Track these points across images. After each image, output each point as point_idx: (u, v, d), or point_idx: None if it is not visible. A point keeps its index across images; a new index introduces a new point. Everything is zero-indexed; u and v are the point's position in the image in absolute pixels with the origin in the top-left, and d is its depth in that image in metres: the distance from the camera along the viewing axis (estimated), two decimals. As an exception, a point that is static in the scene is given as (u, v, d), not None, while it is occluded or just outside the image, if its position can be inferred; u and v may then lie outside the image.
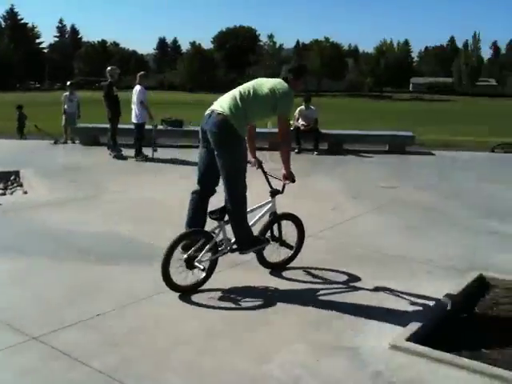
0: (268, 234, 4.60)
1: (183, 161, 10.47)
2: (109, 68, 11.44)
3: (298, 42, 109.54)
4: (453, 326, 3.69)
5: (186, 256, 4.06)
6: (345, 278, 4.58)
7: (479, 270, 4.56)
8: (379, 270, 4.78)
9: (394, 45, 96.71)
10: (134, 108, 10.74)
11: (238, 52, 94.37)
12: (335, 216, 6.66)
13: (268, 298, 4.12)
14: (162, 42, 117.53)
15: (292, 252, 4.79)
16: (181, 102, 43.54)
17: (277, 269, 4.68)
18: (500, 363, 3.11)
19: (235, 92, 4.19)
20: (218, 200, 4.37)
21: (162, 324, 3.62)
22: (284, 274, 4.63)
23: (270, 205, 4.59)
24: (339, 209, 7.09)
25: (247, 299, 4.08)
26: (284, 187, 4.53)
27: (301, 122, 12.71)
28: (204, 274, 4.17)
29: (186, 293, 4.07)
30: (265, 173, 4.61)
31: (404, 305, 4.01)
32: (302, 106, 12.87)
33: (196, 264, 4.08)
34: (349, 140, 13.36)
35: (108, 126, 11.25)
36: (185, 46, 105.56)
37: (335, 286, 4.40)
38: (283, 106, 4.19)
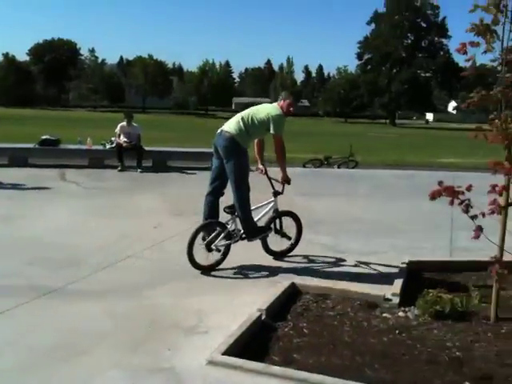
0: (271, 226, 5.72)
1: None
2: None
3: (121, 57, 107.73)
4: (268, 334, 3.83)
5: (205, 242, 5.22)
6: (162, 296, 4.53)
7: (292, 278, 4.84)
8: (197, 286, 4.82)
9: (216, 65, 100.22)
10: None
11: (58, 65, 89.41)
12: (158, 234, 6.57)
13: (79, 327, 3.89)
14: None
15: (291, 242, 5.88)
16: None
17: (279, 257, 5.74)
18: (310, 367, 3.32)
19: (239, 117, 5.46)
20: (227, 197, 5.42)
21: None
22: (104, 298, 4.42)
23: (272, 203, 5.79)
24: (162, 226, 7.02)
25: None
26: (283, 188, 5.77)
27: (123, 138, 12.42)
28: (221, 257, 5.30)
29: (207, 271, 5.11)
30: (269, 178, 5.82)
31: (221, 318, 4.08)
32: (124, 123, 12.59)
33: (214, 248, 5.25)
34: (173, 157, 13.40)
35: None
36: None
37: (151, 305, 4.32)
38: (275, 127, 5.39)
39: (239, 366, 3.20)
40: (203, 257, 5.18)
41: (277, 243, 5.82)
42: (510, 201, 3.86)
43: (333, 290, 4.62)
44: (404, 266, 5.20)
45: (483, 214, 3.73)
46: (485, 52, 3.88)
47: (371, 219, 7.93)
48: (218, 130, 5.47)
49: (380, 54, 77.00)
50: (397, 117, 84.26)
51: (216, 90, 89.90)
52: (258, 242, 5.65)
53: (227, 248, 5.35)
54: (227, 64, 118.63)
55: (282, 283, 4.71)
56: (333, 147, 19.67)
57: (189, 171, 12.47)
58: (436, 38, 78.56)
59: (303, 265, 5.59)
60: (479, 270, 4.95)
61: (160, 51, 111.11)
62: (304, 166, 15.07)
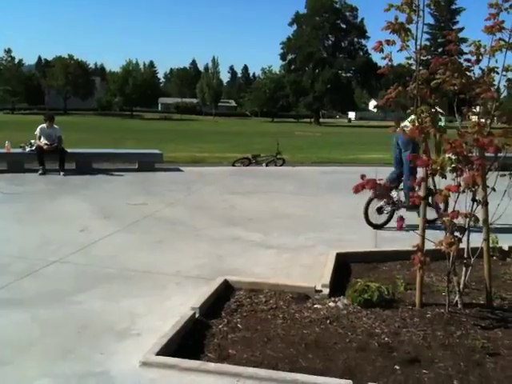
0: None
1: None
2: None
3: (39, 58, 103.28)
4: (202, 332, 3.82)
5: (376, 207, 7.07)
6: (91, 300, 4.41)
7: (224, 276, 4.84)
8: (128, 288, 4.73)
9: (140, 65, 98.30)
10: None
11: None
12: (84, 238, 6.37)
13: (2, 337, 3.70)
14: None
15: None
16: None
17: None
18: (245, 362, 3.34)
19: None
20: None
21: None
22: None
23: None
24: (88, 230, 6.81)
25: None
26: None
27: (43, 141, 11.91)
28: (387, 219, 7.12)
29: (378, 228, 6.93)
30: None
31: (154, 319, 4.02)
32: (44, 125, 12.09)
33: (383, 211, 7.11)
34: (98, 159, 13.03)
35: None
36: None
37: (81, 310, 4.19)
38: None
39: (174, 365, 3.17)
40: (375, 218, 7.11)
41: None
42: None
43: (265, 285, 4.67)
44: (333, 258, 5.33)
45: (405, 205, 3.90)
46: (400, 50, 4.05)
47: (300, 215, 8.09)
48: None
49: (303, 54, 78.63)
50: (321, 116, 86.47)
51: (141, 90, 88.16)
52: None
53: (392, 213, 7.05)
54: (151, 64, 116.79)
55: (214, 280, 4.70)
56: (261, 146, 19.88)
57: (115, 173, 12.16)
58: (355, 39, 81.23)
59: (236, 262, 5.60)
60: (403, 258, 5.18)
61: (80, 51, 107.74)
62: (233, 165, 15.13)
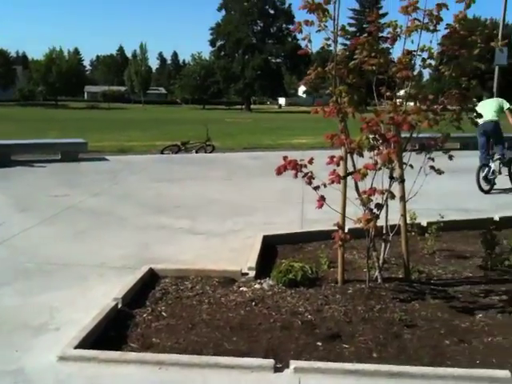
0: None
1: None
2: None
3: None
4: (125, 322, 3.72)
5: (482, 176, 8.72)
6: (7, 296, 4.20)
7: (150, 264, 4.74)
8: (48, 282, 4.55)
9: (64, 53, 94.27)
10: None
11: None
12: (2, 232, 6.05)
13: None
14: None
15: None
16: None
17: None
18: (168, 349, 3.29)
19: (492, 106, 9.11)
20: None
21: None
22: None
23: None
24: (6, 224, 6.48)
25: None
26: None
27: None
28: (492, 185, 8.75)
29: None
30: None
31: (75, 313, 3.87)
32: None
33: (490, 178, 8.78)
34: (17, 150, 12.41)
35: None
36: None
37: (-2, 308, 3.98)
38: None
39: (93, 357, 3.07)
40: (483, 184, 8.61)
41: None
42: (348, 171, 4.14)
43: (191, 271, 4.63)
44: (259, 240, 5.36)
45: (324, 185, 3.94)
46: (318, 30, 4.08)
47: (228, 200, 8.07)
48: (487, 119, 8.71)
49: (232, 40, 78.15)
50: (252, 102, 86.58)
51: (65, 78, 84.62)
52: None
53: (494, 180, 8.74)
54: (76, 51, 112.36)
55: (139, 270, 4.60)
56: (191, 133, 19.64)
57: (36, 164, 11.63)
58: (284, 25, 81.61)
59: (162, 250, 5.50)
60: (328, 238, 5.27)
61: (0, 40, 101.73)
62: (162, 153, 14.86)
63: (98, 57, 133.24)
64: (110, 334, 3.53)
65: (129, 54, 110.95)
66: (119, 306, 3.90)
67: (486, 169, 8.70)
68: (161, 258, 5.15)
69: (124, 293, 4.05)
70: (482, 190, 8.54)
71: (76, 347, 3.17)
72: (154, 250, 5.52)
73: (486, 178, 8.68)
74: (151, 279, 4.53)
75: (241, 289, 4.31)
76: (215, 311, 3.88)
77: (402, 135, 4.21)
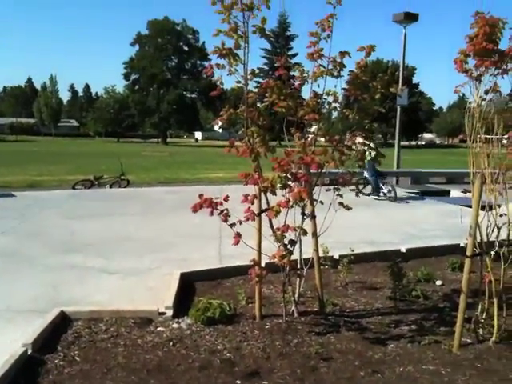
0: None
1: None
2: None
3: None
4: (36, 369, 3.53)
5: None
6: None
7: (61, 307, 4.55)
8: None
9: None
10: None
11: None
12: None
13: None
14: None
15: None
16: None
17: None
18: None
19: None
20: None
21: None
22: None
23: None
24: None
25: None
26: None
27: None
28: None
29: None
30: None
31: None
32: None
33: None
34: None
35: None
36: None
37: None
38: None
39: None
40: None
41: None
42: (261, 208, 4.25)
43: (106, 313, 4.50)
44: (177, 278, 5.31)
45: (240, 222, 4.02)
46: (229, 74, 4.22)
47: (144, 237, 7.94)
48: None
49: (146, 74, 77.94)
50: (168, 136, 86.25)
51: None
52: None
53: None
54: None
55: (50, 313, 4.40)
56: (105, 167, 19.21)
57: None
58: (198, 61, 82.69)
59: (74, 291, 5.29)
60: (245, 273, 5.33)
61: None
62: (73, 188, 14.38)
63: (4, 88, 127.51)
64: (20, 382, 3.34)
65: (38, 86, 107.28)
66: (29, 351, 3.70)
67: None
68: (72, 299, 4.96)
69: (34, 338, 3.85)
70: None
71: (-20, 401, 2.96)
72: (65, 291, 5.29)
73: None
74: (62, 322, 4.34)
75: (158, 329, 4.24)
76: (131, 353, 3.79)
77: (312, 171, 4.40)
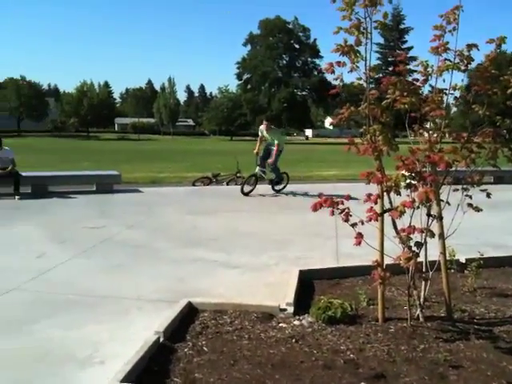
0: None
1: None
2: None
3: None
4: (167, 357, 3.75)
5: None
6: (51, 328, 4.27)
7: (188, 298, 4.78)
8: (90, 314, 4.61)
9: (94, 86, 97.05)
10: None
11: None
12: (41, 265, 6.18)
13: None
14: None
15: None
16: None
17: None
18: (211, 384, 3.30)
19: None
20: None
21: None
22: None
23: None
24: (45, 256, 6.62)
25: None
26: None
27: (-4, 165, 11.58)
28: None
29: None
30: None
31: (118, 346, 3.93)
32: (-9, 149, 11.76)
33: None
34: (54, 182, 12.74)
35: None
36: None
37: (41, 339, 4.06)
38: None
39: (137, 392, 3.10)
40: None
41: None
42: (384, 208, 4.15)
43: (229, 306, 4.65)
44: (296, 275, 5.36)
45: (362, 222, 3.96)
46: (350, 71, 4.16)
47: (262, 233, 8.10)
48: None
49: (258, 73, 79.56)
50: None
51: (97, 110, 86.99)
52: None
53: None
54: (106, 84, 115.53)
55: (178, 303, 4.64)
56: (220, 165, 19.87)
57: (72, 196, 11.91)
58: (309, 59, 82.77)
59: (199, 283, 5.55)
60: (365, 274, 5.26)
61: (32, 73, 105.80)
62: (193, 185, 15.04)
63: (127, 89, 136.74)
64: (153, 368, 3.56)
65: (157, 87, 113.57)
66: (161, 339, 3.93)
67: None
68: (197, 291, 5.18)
69: (164, 327, 4.08)
70: None
71: (122, 381, 3.20)
72: (190, 283, 5.54)
73: None
74: (190, 313, 4.56)
75: (280, 325, 4.31)
76: (256, 347, 3.89)
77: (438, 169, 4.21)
